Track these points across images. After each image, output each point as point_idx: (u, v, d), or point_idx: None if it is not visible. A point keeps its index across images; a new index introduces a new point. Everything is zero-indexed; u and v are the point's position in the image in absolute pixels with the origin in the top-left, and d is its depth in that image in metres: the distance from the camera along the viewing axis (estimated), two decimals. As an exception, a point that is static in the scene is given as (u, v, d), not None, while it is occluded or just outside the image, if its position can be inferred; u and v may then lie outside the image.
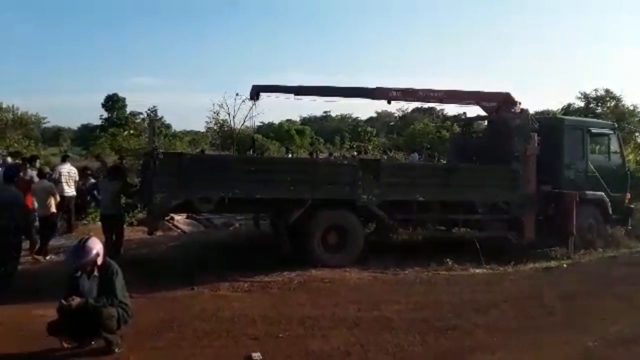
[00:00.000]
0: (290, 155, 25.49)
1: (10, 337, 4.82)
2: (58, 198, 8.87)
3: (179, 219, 12.11)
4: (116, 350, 4.36)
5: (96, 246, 4.47)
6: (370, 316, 5.56)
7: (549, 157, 9.38)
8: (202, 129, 33.60)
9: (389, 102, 10.81)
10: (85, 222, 11.55)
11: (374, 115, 59.27)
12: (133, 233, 10.62)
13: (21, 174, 8.49)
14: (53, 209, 8.66)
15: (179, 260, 8.53)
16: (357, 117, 61.32)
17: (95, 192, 11.74)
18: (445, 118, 42.49)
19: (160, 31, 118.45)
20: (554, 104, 46.77)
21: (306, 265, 7.77)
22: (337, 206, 8.14)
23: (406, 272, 7.82)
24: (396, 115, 57.33)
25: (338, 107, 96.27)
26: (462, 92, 10.21)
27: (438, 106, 38.92)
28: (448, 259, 8.20)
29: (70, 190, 10.55)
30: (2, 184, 7.34)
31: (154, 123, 8.68)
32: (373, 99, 10.64)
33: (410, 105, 48.21)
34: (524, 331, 5.33)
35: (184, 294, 6.53)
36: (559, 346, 4.92)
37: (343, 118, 63.37)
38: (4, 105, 24.30)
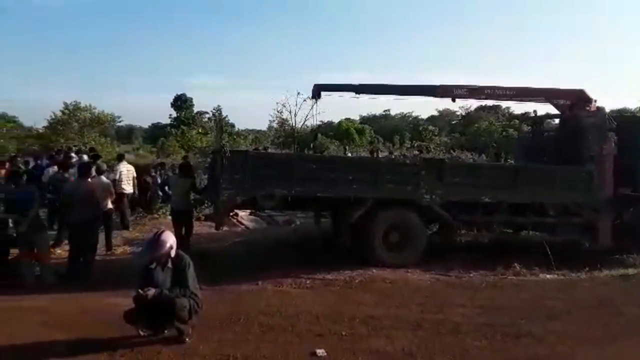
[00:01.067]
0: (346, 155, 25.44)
1: (89, 324, 5.17)
2: (114, 195, 9.21)
3: (243, 215, 12.45)
4: (187, 340, 4.57)
5: (170, 239, 4.69)
6: (434, 318, 5.46)
7: (629, 158, 8.77)
8: (264, 128, 34.42)
9: (453, 100, 10.56)
10: (156, 216, 12.12)
11: (435, 113, 57.86)
12: (201, 228, 11.04)
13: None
14: (110, 206, 8.93)
15: (243, 256, 8.81)
16: (418, 116, 60.08)
17: (167, 188, 12.37)
18: (512, 116, 40.74)
19: (225, 31, 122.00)
20: (632, 102, 43.53)
21: (367, 264, 7.77)
22: (399, 206, 8.05)
23: (471, 275, 7.60)
24: (459, 113, 55.71)
25: (398, 105, 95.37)
26: (534, 89, 9.77)
27: (504, 104, 37.40)
28: (515, 263, 7.88)
29: (128, 188, 11.00)
30: (78, 180, 7.87)
31: (222, 122, 9.00)
32: (436, 97, 10.42)
33: (473, 104, 46.66)
34: (599, 340, 5.04)
35: (248, 288, 6.72)
36: (638, 357, 4.61)
37: (403, 117, 62.34)
38: (82, 105, 26.02)
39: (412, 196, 7.95)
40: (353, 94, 10.70)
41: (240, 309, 5.65)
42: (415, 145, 30.00)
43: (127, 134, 55.03)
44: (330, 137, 37.86)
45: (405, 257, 7.98)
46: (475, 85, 10.02)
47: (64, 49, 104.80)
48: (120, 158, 12.13)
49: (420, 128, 44.87)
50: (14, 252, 7.11)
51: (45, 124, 26.55)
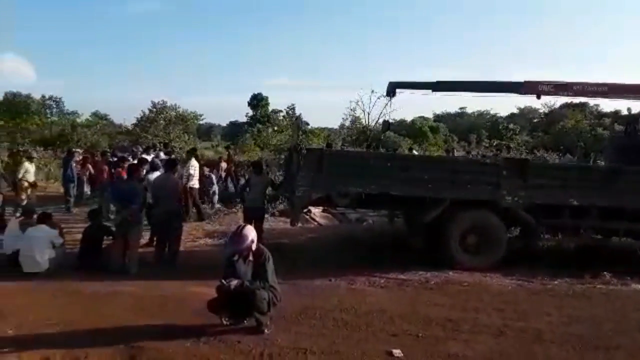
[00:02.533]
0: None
1: (175, 311, 5.47)
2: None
3: (316, 212, 12.62)
4: (266, 331, 4.71)
5: (251, 234, 4.86)
6: (517, 326, 5.20)
7: None
8: (335, 126, 34.61)
9: (538, 97, 10.02)
10: (234, 210, 12.59)
11: (516, 111, 54.97)
12: (275, 223, 11.35)
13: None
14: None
15: (316, 252, 8.92)
16: (497, 114, 57.43)
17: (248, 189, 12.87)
18: (601, 114, 37.81)
19: (298, 32, 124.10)
20: None
21: (442, 265, 7.58)
22: (477, 207, 7.76)
23: (556, 282, 7.16)
24: (541, 111, 52.59)
25: (475, 102, 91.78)
26: (630, 85, 9.03)
27: (591, 101, 34.79)
28: (605, 272, 7.34)
29: (196, 183, 11.46)
30: (165, 174, 8.35)
31: (299, 120, 9.20)
32: (520, 94, 9.94)
33: (557, 101, 43.79)
34: None
35: (322, 284, 6.79)
36: None
37: (480, 114, 59.94)
38: (168, 104, 27.76)
39: (492, 197, 7.63)
40: (429, 91, 10.49)
41: (315, 304, 5.73)
42: (494, 144, 28.67)
43: (206, 132, 57.61)
44: (402, 135, 37.28)
45: (484, 260, 7.69)
46: (562, 82, 9.43)
47: (152, 52, 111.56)
48: (190, 154, 12.55)
49: (500, 126, 42.88)
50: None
51: (134, 121, 28.61)
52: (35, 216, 8.00)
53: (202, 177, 12.76)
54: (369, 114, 25.44)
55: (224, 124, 66.45)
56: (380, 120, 23.95)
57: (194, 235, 9.85)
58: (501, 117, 54.20)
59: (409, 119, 46.14)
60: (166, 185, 7.92)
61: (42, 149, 24.39)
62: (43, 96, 42.58)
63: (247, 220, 8.45)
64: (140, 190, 7.75)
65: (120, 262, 7.40)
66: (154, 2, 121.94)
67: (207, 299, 4.97)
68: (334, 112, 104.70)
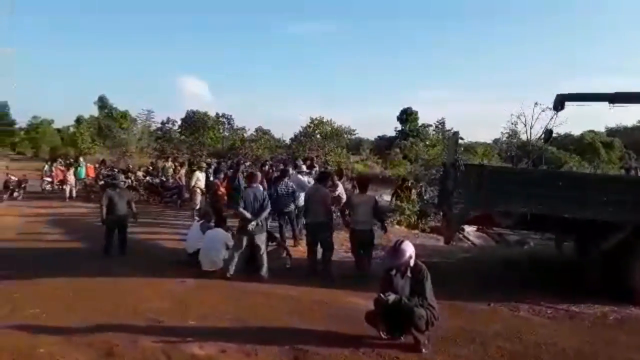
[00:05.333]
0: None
1: (332, 318, 5.67)
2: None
3: (470, 230, 12.07)
4: (424, 350, 4.63)
5: (409, 249, 4.84)
6: None
7: None
8: (488, 141, 32.83)
9: None
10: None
11: None
12: (426, 240, 11.14)
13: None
14: None
15: (472, 273, 8.48)
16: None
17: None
18: None
19: (450, 45, 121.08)
20: None
21: (622, 299, 6.62)
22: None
23: None
24: None
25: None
26: None
27: None
28: None
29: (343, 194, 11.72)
30: (316, 185, 8.69)
31: (457, 135, 8.88)
32: None
33: None
34: None
35: (479, 307, 6.45)
36: None
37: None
38: (324, 120, 29.37)
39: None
40: (605, 103, 9.32)
41: (473, 327, 5.47)
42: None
43: (355, 146, 59.22)
44: (569, 150, 33.74)
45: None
46: None
47: (312, 70, 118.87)
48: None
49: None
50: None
51: (291, 136, 30.90)
52: (212, 220, 9.08)
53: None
54: (531, 127, 23.58)
55: (371, 138, 67.61)
56: (542, 134, 22.07)
57: (347, 247, 10.13)
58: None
59: (576, 132, 41.67)
60: (316, 196, 8.25)
61: (215, 160, 27.62)
62: (217, 114, 48.34)
63: (355, 246, 8.05)
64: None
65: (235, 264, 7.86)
66: (313, 24, 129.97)
67: (362, 309, 5.08)
68: (488, 125, 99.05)
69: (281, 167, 14.39)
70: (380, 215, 8.44)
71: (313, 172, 12.43)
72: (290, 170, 13.34)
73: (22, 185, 18.73)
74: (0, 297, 6.40)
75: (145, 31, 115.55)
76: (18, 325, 5.25)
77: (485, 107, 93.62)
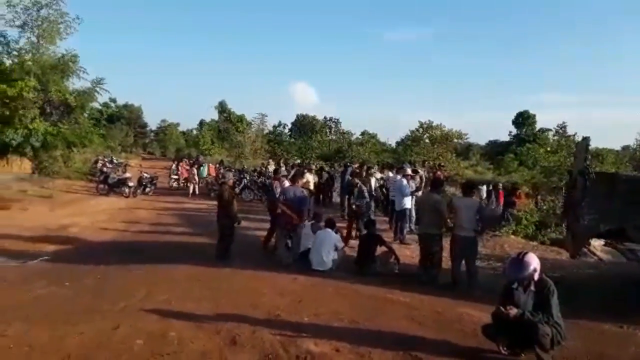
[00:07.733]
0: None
1: (447, 328, 5.48)
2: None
3: (597, 245, 11.03)
4: (547, 370, 4.34)
5: (533, 262, 4.55)
6: None
7: None
8: (617, 147, 29.62)
9: None
10: (498, 234, 12.02)
11: None
12: (546, 252, 10.39)
13: None
14: None
15: (601, 291, 7.74)
16: None
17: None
18: None
19: (570, 48, 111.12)
20: None
21: None
22: None
23: None
24: None
25: None
26: None
27: None
28: None
29: None
30: (427, 192, 8.51)
31: (588, 140, 8.08)
32: None
33: None
34: None
35: (611, 329, 5.85)
36: None
37: None
38: (434, 124, 28.65)
39: None
40: None
41: (604, 351, 4.99)
42: None
43: (464, 151, 56.95)
44: None
45: None
46: None
47: (419, 75, 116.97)
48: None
49: None
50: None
51: (397, 139, 30.68)
52: (323, 221, 9.36)
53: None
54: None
55: (482, 143, 64.51)
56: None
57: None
58: None
59: None
60: (426, 204, 8.11)
61: (322, 162, 28.34)
62: (325, 117, 49.60)
63: (456, 254, 7.72)
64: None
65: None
66: (410, 31, 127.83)
67: (476, 321, 4.89)
68: (604, 131, 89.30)
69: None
70: (488, 221, 8.04)
71: (417, 177, 12.22)
72: (390, 174, 13.30)
73: (153, 182, 20.93)
74: (138, 282, 7.15)
75: (263, 43, 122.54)
76: (151, 309, 5.77)
77: (609, 111, 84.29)
